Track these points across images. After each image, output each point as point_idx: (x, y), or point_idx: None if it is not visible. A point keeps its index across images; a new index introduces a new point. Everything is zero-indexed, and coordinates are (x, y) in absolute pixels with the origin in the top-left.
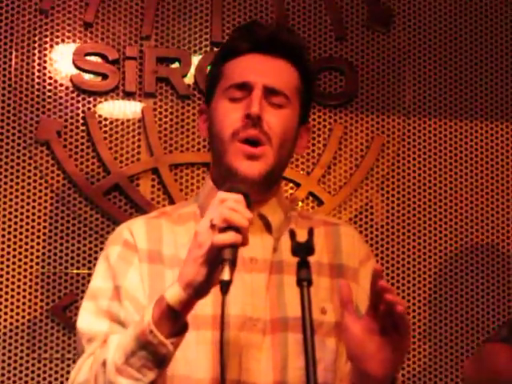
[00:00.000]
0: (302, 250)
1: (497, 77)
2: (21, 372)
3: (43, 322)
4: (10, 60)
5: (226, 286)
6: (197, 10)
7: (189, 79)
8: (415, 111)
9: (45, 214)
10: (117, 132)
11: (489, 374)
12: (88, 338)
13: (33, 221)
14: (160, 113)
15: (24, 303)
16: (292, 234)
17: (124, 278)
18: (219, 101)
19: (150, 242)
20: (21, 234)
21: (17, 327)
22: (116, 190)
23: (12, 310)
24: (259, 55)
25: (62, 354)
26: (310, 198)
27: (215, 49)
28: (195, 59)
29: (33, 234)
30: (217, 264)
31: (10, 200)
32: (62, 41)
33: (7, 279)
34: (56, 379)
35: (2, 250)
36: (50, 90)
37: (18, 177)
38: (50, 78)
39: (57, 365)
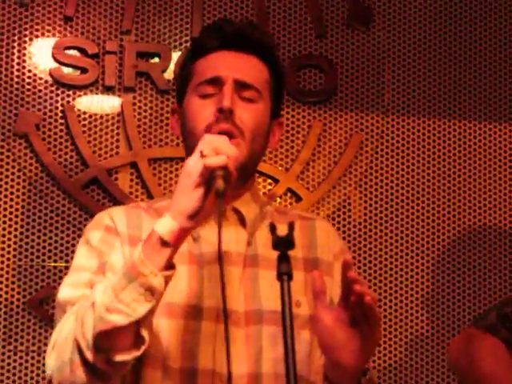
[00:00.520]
0: (283, 244)
1: (475, 76)
2: None
3: (20, 315)
4: None
5: (222, 194)
6: (177, 5)
7: (168, 74)
8: (394, 109)
9: (22, 207)
10: (96, 126)
11: (473, 370)
12: (67, 306)
13: (10, 213)
14: (139, 107)
15: (0, 295)
16: (272, 228)
17: (108, 257)
18: (191, 98)
19: (130, 228)
20: None
21: None
22: (94, 184)
23: None
24: (228, 52)
25: (39, 347)
26: (289, 194)
27: None
28: (175, 55)
29: (10, 226)
30: (207, 189)
31: None
32: (42, 34)
33: None
34: (32, 371)
35: None
36: (29, 83)
37: None
38: (30, 71)
39: (33, 357)
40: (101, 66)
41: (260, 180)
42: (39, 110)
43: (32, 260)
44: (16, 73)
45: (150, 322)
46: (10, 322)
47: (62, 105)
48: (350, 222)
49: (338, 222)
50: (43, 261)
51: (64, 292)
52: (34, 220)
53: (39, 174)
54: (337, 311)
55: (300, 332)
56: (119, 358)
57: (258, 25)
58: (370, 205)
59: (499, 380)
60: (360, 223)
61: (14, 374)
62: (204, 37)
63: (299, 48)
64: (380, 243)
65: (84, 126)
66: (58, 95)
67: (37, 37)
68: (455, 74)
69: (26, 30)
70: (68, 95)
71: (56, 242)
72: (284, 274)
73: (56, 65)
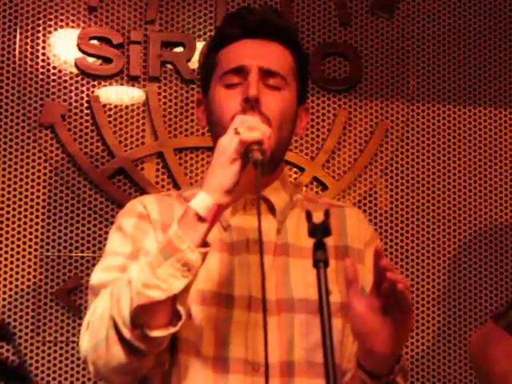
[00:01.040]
0: (319, 232)
1: (501, 63)
2: (25, 355)
3: (47, 305)
4: (15, 44)
5: (260, 164)
6: None
7: (193, 64)
8: (419, 97)
9: (49, 197)
10: (121, 116)
11: (488, 371)
12: (101, 290)
13: (37, 204)
14: (164, 97)
15: (29, 286)
16: (309, 215)
17: (142, 243)
18: (216, 89)
19: (163, 215)
20: (25, 217)
21: (21, 310)
22: (120, 174)
23: (17, 293)
24: (252, 40)
25: (67, 337)
26: (314, 182)
27: None
28: (199, 44)
29: (37, 216)
30: (243, 164)
31: (15, 183)
32: (67, 25)
33: (11, 262)
34: (60, 362)
35: (7, 233)
36: (54, 74)
37: (22, 160)
38: (55, 61)
39: (61, 348)
40: (126, 55)
41: (285, 169)
42: (65, 100)
43: (59, 250)
44: (41, 63)
45: (186, 299)
46: (38, 312)
47: (87, 95)
48: (376, 211)
49: (364, 211)
50: (70, 251)
51: (97, 276)
52: (60, 210)
53: (65, 164)
54: (369, 299)
55: (331, 320)
56: (156, 333)
57: (278, 11)
58: (396, 193)
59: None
60: (386, 211)
61: (43, 365)
62: (227, 26)
63: (323, 36)
64: (406, 231)
65: (109, 116)
66: (83, 85)
67: (62, 27)
68: (481, 60)
69: (50, 20)
70: (93, 85)
71: (83, 232)
72: (321, 262)
73: (81, 55)
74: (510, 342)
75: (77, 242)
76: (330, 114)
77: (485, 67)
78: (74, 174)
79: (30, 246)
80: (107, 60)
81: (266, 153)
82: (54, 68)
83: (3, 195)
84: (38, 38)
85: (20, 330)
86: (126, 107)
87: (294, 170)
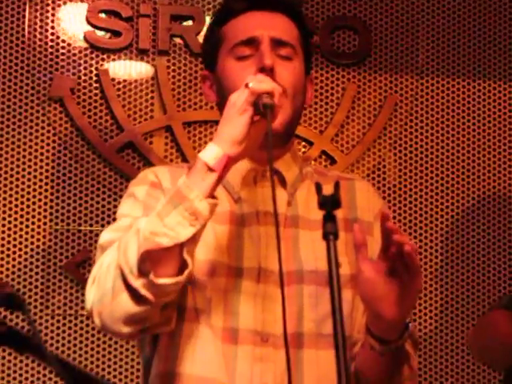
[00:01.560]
0: (329, 204)
1: (510, 37)
2: (35, 327)
3: (57, 279)
4: (24, 17)
5: (271, 108)
6: None
7: (202, 37)
8: (428, 70)
9: (58, 171)
10: (130, 90)
11: (492, 339)
12: (108, 247)
13: (46, 177)
14: (173, 70)
15: (38, 259)
16: (318, 188)
17: (154, 209)
18: (227, 62)
19: (174, 185)
20: (34, 190)
21: (30, 283)
22: (129, 148)
23: (26, 267)
24: (258, 12)
25: (76, 311)
26: (323, 156)
27: None
28: (209, 18)
29: (46, 190)
30: (253, 114)
31: (24, 157)
32: None
33: (21, 236)
34: (69, 335)
35: (16, 206)
36: (63, 47)
37: (31, 133)
38: (64, 35)
39: (70, 321)
40: (135, 29)
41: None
42: (74, 74)
43: (68, 224)
44: (50, 37)
45: (194, 249)
46: (47, 285)
47: (96, 68)
48: (384, 185)
49: (373, 185)
50: (79, 225)
51: (106, 235)
52: (69, 184)
53: (74, 138)
54: (377, 263)
55: (341, 291)
56: (162, 281)
57: None
58: (405, 167)
59: None
60: (395, 185)
61: (52, 338)
62: (231, 0)
63: (333, 10)
64: (415, 205)
65: (118, 89)
66: (92, 59)
67: (71, 0)
68: (490, 34)
69: None
70: (102, 59)
71: (92, 206)
72: (330, 234)
73: (90, 28)
74: (506, 311)
75: (86, 215)
76: (339, 88)
77: (494, 41)
78: (82, 147)
79: (39, 220)
80: (116, 33)
81: (275, 108)
82: (63, 41)
83: (12, 169)
84: (47, 11)
85: (29, 303)
86: (135, 81)
87: (303, 143)
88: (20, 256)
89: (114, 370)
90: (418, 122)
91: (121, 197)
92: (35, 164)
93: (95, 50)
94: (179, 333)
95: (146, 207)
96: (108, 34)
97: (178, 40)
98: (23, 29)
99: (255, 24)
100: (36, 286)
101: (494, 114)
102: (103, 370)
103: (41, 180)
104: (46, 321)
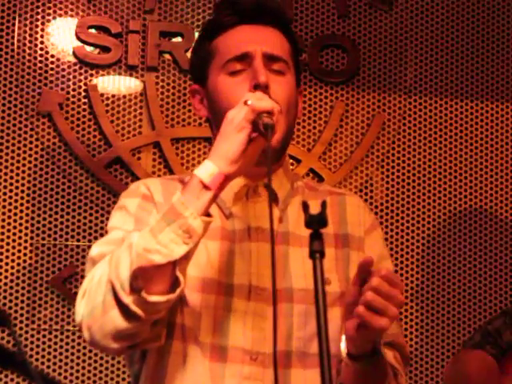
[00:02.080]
0: (315, 222)
1: (498, 57)
2: (20, 343)
3: (43, 294)
4: (13, 32)
5: (271, 128)
6: None
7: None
8: (416, 90)
9: (45, 186)
10: (119, 105)
11: (462, 379)
12: (99, 261)
13: (33, 192)
14: (162, 87)
15: (24, 274)
16: (305, 206)
17: (146, 223)
18: (219, 77)
19: (166, 198)
20: (21, 205)
21: (16, 298)
22: (117, 163)
23: (12, 281)
24: (248, 26)
25: (62, 326)
26: (311, 174)
27: None
28: (198, 34)
29: (33, 205)
30: (250, 132)
31: (11, 171)
32: (66, 13)
33: (7, 250)
34: (55, 350)
35: (3, 221)
36: (52, 62)
37: (19, 148)
38: (53, 50)
39: (56, 336)
40: (124, 45)
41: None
42: (62, 89)
43: (55, 239)
44: (39, 52)
45: (186, 267)
46: (34, 300)
47: (85, 84)
48: (371, 203)
49: None
50: (66, 240)
51: (97, 248)
52: (57, 199)
53: (62, 153)
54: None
55: (330, 310)
56: (154, 298)
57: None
58: (392, 185)
59: (484, 380)
60: (382, 204)
61: (38, 353)
62: (220, 13)
63: (322, 28)
64: (402, 224)
65: (107, 105)
66: (81, 74)
67: (60, 16)
68: (478, 54)
69: (49, 8)
70: (91, 74)
71: (79, 221)
72: (316, 252)
73: (79, 44)
74: (478, 352)
75: (73, 230)
76: (327, 106)
77: (482, 61)
78: (70, 162)
79: (25, 235)
80: (105, 49)
81: (274, 127)
82: (52, 56)
83: (0, 183)
84: (36, 26)
85: (15, 318)
86: (124, 96)
87: (291, 161)
88: (6, 270)
89: None
90: (406, 140)
91: (108, 212)
92: (23, 178)
93: (84, 65)
94: (168, 350)
95: (138, 220)
96: (97, 50)
97: (167, 56)
98: (12, 43)
99: (247, 39)
100: (22, 301)
101: (481, 134)
102: None
103: (28, 195)
104: (32, 336)
